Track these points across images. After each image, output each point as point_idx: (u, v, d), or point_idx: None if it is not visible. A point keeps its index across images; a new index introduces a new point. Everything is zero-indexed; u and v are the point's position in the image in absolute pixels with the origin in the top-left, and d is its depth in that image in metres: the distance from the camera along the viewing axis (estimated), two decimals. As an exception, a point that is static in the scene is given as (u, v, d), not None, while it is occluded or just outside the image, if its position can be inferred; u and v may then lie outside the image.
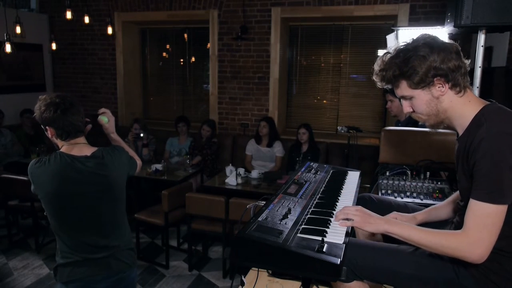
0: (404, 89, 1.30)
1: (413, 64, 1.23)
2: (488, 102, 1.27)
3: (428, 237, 1.23)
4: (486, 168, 1.14)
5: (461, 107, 1.27)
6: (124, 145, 2.04)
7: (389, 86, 1.35)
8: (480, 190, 1.16)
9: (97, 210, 1.78)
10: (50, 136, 1.79)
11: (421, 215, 1.58)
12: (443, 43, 1.25)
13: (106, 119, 1.99)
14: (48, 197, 1.73)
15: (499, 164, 1.12)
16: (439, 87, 1.25)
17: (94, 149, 1.83)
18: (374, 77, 1.37)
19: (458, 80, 1.24)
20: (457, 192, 1.59)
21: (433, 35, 1.29)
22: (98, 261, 1.78)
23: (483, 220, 1.15)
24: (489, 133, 1.15)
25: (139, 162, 2.04)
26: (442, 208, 1.59)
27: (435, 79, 1.23)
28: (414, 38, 1.29)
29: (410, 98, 1.31)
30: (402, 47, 1.29)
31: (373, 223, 1.31)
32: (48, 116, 1.71)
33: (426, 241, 1.23)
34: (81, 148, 1.79)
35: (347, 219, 1.34)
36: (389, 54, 1.32)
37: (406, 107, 1.35)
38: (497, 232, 1.15)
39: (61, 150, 1.78)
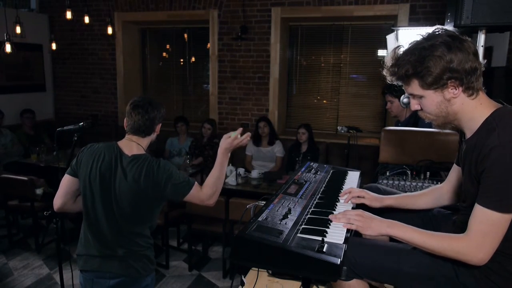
0: (415, 88, 1.24)
1: (428, 65, 1.17)
2: (499, 105, 1.23)
3: (430, 240, 1.23)
4: (495, 176, 1.12)
5: (472, 110, 1.23)
6: (215, 171, 1.86)
7: (399, 83, 1.30)
8: (487, 197, 1.14)
9: (114, 208, 1.79)
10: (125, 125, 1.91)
11: (389, 200, 1.60)
12: (461, 42, 1.18)
13: (234, 133, 1.85)
14: (82, 175, 1.81)
15: (509, 174, 1.11)
16: (452, 89, 1.20)
17: (141, 152, 1.85)
18: (384, 72, 1.31)
19: (472, 83, 1.19)
20: (435, 186, 1.63)
21: (452, 31, 1.22)
22: (110, 258, 1.80)
23: (487, 227, 1.14)
24: (500, 142, 1.12)
25: (200, 194, 1.83)
26: (415, 198, 1.61)
27: (449, 81, 1.18)
28: (431, 32, 1.23)
29: (420, 97, 1.26)
30: (418, 43, 1.22)
31: (374, 227, 1.31)
32: (126, 109, 1.88)
33: (428, 244, 1.23)
34: (132, 147, 1.84)
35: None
36: (402, 49, 1.26)
37: (414, 105, 1.31)
38: (500, 238, 1.15)
39: (119, 141, 1.87)
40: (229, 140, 1.83)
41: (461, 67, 1.16)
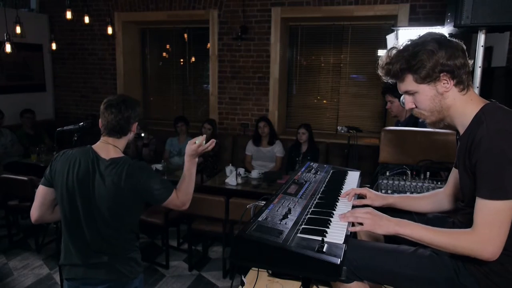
0: (409, 83, 1.30)
1: (421, 58, 1.24)
2: (488, 101, 1.28)
3: (439, 238, 1.23)
4: (487, 165, 1.15)
5: (464, 105, 1.28)
6: (186, 177, 1.87)
7: (393, 80, 1.35)
8: (484, 188, 1.16)
9: (94, 213, 1.74)
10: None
11: (392, 198, 1.63)
12: (450, 40, 1.26)
13: (199, 140, 1.84)
14: (58, 183, 1.75)
15: (500, 161, 1.13)
16: (444, 83, 1.25)
17: (119, 155, 1.80)
18: (379, 71, 1.36)
19: (462, 77, 1.25)
20: (436, 190, 1.65)
21: (440, 32, 1.30)
22: (95, 265, 1.76)
23: (491, 217, 1.15)
24: (488, 131, 1.16)
25: (175, 200, 1.83)
26: (415, 200, 1.63)
27: (441, 74, 1.24)
28: (421, 34, 1.30)
29: (413, 93, 1.31)
30: (410, 42, 1.29)
31: (383, 226, 1.31)
32: (100, 109, 1.81)
33: (437, 241, 1.23)
34: (109, 150, 1.79)
35: (357, 223, 1.34)
36: (395, 49, 1.32)
37: (409, 103, 1.35)
38: (507, 228, 1.15)
39: (93, 145, 1.81)
40: (194, 146, 1.82)
41: (451, 61, 1.23)
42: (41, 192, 1.81)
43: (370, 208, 1.37)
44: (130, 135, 1.86)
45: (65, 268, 1.81)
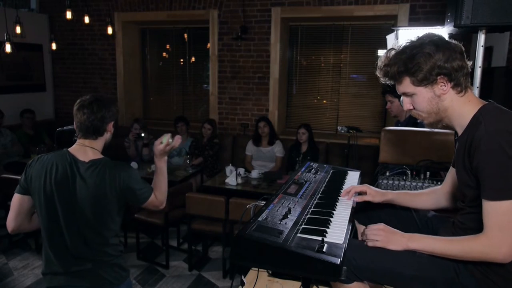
0: (406, 85, 1.30)
1: (418, 61, 1.24)
2: (486, 102, 1.28)
3: (452, 247, 1.23)
4: (490, 167, 1.14)
5: (461, 106, 1.28)
6: (160, 177, 1.89)
7: (391, 82, 1.35)
8: (489, 189, 1.16)
9: (77, 218, 1.70)
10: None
11: (392, 194, 1.64)
12: (448, 42, 1.26)
13: (165, 139, 1.85)
14: (36, 190, 1.71)
15: (502, 160, 1.12)
16: (441, 85, 1.26)
17: (98, 156, 1.77)
18: (377, 72, 1.37)
19: (460, 80, 1.25)
20: (433, 187, 1.66)
21: (439, 34, 1.30)
22: (78, 273, 1.72)
23: (501, 219, 1.14)
24: (487, 132, 1.16)
25: (155, 200, 1.84)
26: (414, 196, 1.64)
27: (438, 77, 1.24)
28: (420, 36, 1.30)
29: (411, 95, 1.32)
30: (408, 44, 1.29)
31: (396, 242, 1.32)
32: (73, 110, 1.77)
33: (450, 251, 1.24)
34: (87, 152, 1.75)
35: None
36: (394, 51, 1.32)
37: (407, 104, 1.35)
38: None
39: (70, 148, 1.77)
40: (161, 146, 1.82)
41: (449, 64, 1.23)
42: (17, 200, 1.75)
43: (383, 224, 1.38)
44: (107, 135, 1.83)
45: (47, 277, 1.75)
